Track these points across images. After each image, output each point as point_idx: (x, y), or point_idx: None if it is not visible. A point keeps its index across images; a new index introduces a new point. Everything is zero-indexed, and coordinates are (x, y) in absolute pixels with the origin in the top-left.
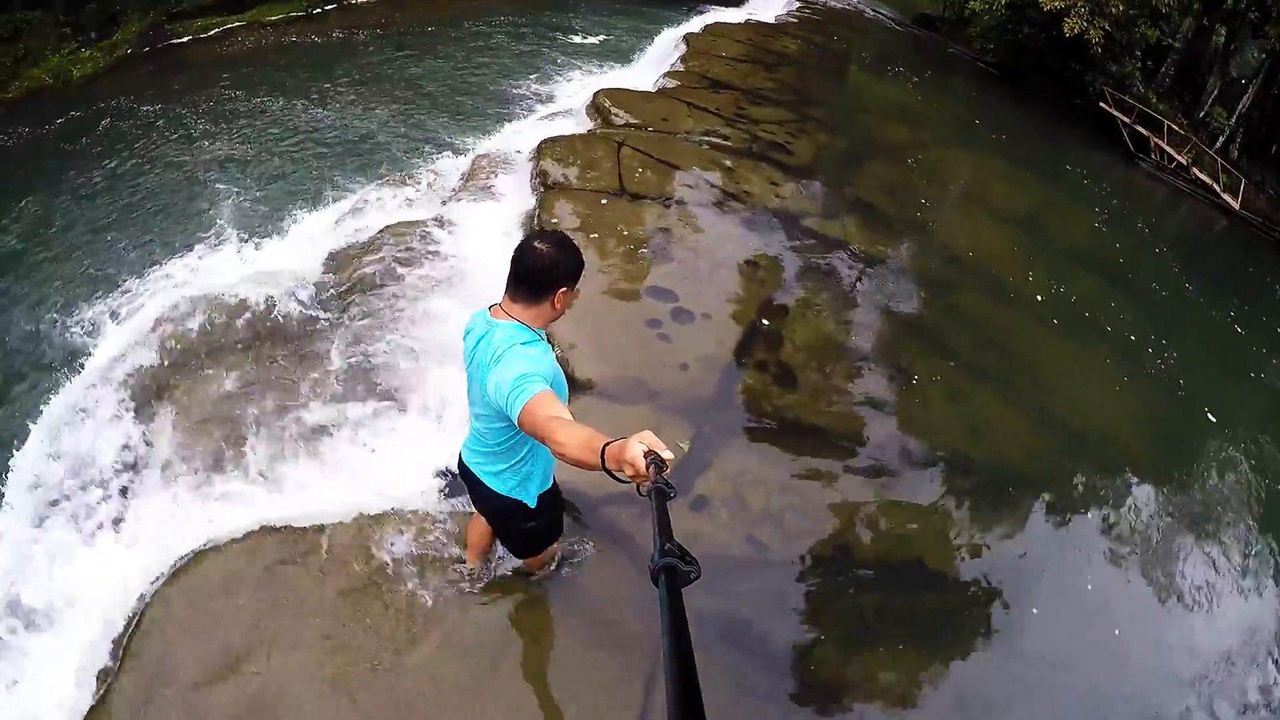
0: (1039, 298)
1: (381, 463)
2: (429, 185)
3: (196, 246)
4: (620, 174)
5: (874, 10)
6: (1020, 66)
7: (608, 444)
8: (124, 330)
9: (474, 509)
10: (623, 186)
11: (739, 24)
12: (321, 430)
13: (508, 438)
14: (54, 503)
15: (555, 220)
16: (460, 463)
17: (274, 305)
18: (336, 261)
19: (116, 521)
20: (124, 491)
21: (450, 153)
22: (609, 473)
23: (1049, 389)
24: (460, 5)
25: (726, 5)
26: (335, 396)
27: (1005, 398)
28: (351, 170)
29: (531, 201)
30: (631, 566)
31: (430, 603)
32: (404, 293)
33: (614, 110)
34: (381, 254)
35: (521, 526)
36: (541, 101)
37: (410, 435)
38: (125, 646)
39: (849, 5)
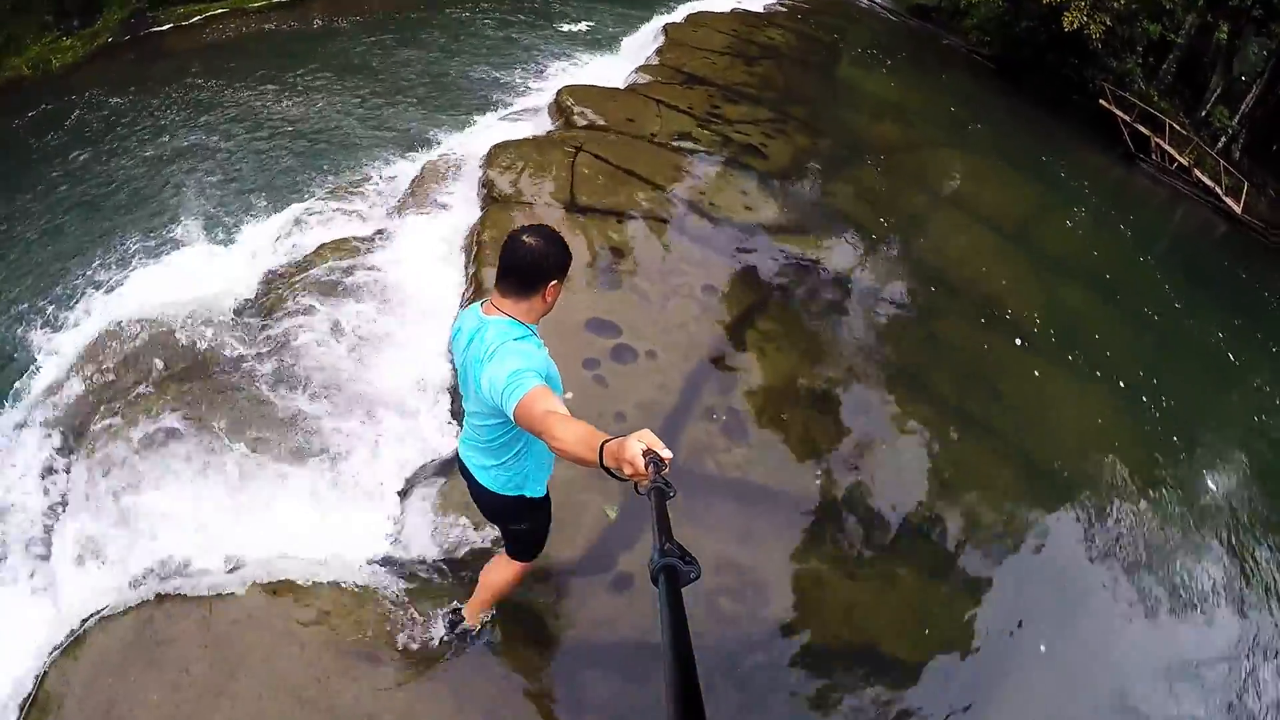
0: (1029, 325)
1: (299, 525)
2: (377, 193)
3: (140, 256)
4: (572, 185)
5: None
6: (1018, 60)
7: (606, 441)
8: (54, 359)
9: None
10: (574, 199)
11: (724, 13)
12: (236, 484)
13: (499, 434)
14: None
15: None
16: (459, 458)
17: (203, 337)
18: (272, 283)
19: (31, 573)
20: (41, 540)
21: (408, 152)
22: (607, 470)
23: (1037, 433)
24: None
25: None
26: (254, 446)
27: (987, 444)
28: (307, 171)
29: (476, 215)
30: (535, 653)
31: (325, 686)
32: (331, 323)
33: (577, 109)
34: (316, 277)
35: (510, 526)
36: (517, 94)
37: (332, 495)
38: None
39: None
